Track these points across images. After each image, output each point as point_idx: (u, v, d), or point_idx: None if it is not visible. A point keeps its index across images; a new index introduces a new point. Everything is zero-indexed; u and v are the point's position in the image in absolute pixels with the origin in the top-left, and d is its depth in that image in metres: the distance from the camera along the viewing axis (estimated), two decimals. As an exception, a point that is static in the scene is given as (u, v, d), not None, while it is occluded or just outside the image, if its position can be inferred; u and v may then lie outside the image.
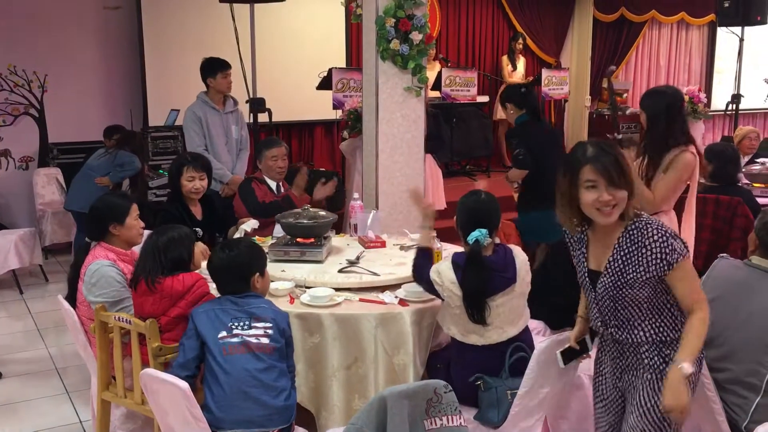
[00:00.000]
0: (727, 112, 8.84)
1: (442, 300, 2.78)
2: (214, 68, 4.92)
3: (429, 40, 4.35)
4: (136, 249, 3.45)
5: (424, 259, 2.91)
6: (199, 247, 3.48)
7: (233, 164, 5.04)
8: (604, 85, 9.67)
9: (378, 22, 4.23)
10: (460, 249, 3.86)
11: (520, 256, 2.82)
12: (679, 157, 3.27)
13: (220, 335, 2.45)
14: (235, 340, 2.44)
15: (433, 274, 2.77)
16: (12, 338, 4.81)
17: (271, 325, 2.48)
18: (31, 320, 5.12)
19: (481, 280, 2.67)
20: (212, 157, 4.80)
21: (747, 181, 5.16)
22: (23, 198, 6.77)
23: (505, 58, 8.96)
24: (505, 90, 4.57)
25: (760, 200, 4.80)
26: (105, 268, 2.98)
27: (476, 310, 2.67)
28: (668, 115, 3.27)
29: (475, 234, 2.71)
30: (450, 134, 7.65)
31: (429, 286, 2.81)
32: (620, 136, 3.53)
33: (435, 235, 3.11)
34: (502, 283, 2.72)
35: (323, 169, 7.37)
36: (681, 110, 3.35)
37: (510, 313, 2.75)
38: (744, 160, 6.29)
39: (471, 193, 2.88)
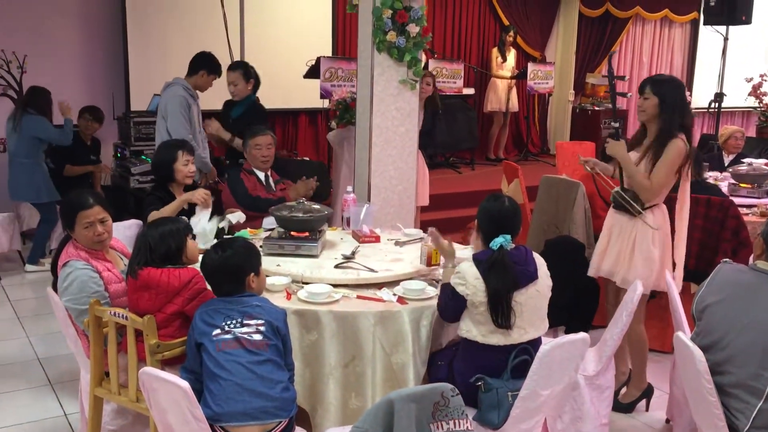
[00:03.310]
0: (710, 110, 8.92)
1: (464, 307, 2.73)
2: (214, 69, 4.90)
3: (425, 33, 4.30)
4: (116, 235, 3.38)
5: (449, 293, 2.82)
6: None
7: (206, 154, 5.04)
8: (589, 80, 9.71)
9: (375, 12, 4.17)
10: (453, 244, 3.85)
11: (540, 259, 2.83)
12: (671, 144, 3.32)
13: (214, 333, 2.42)
14: (227, 336, 2.42)
15: (453, 278, 2.73)
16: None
17: (263, 322, 2.45)
18: (10, 308, 5.00)
19: (506, 281, 2.66)
20: (196, 146, 4.76)
21: (734, 181, 5.20)
22: (0, 182, 6.60)
23: (495, 51, 8.93)
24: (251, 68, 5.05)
25: (747, 200, 4.84)
26: (78, 271, 2.87)
27: (502, 312, 2.65)
28: (683, 104, 3.39)
29: (500, 240, 2.71)
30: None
31: (452, 303, 2.75)
32: (617, 124, 3.52)
33: (434, 269, 3.12)
34: (524, 277, 2.71)
35: (307, 159, 7.31)
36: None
37: (531, 314, 2.73)
38: (728, 159, 6.36)
39: (493, 198, 2.84)
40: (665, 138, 3.34)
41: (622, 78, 8.92)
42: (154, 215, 3.47)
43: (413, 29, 4.20)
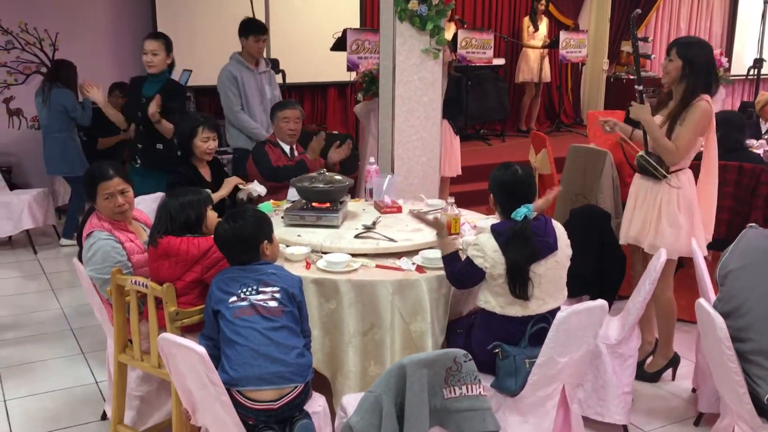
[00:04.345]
0: (749, 77, 8.66)
1: (482, 278, 2.71)
2: (247, 30, 4.96)
3: (448, 1, 4.24)
4: (143, 207, 3.43)
5: (456, 261, 2.81)
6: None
7: (267, 124, 5.04)
8: (624, 47, 9.50)
9: (396, -19, 4.13)
10: (474, 213, 3.83)
11: (560, 228, 2.79)
12: (695, 106, 3.26)
13: (230, 300, 2.46)
14: (243, 303, 2.45)
15: (471, 249, 2.71)
16: (26, 298, 4.83)
17: (278, 289, 2.48)
18: (45, 280, 5.14)
19: (525, 253, 2.63)
20: (248, 117, 4.91)
21: (769, 149, 5.06)
22: (35, 158, 6.73)
23: (526, 20, 8.79)
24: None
25: (783, 168, 4.70)
26: (101, 241, 2.91)
27: (520, 283, 2.63)
28: (710, 67, 3.31)
29: (524, 210, 2.67)
30: (466, 98, 7.54)
31: (470, 274, 2.73)
32: (641, 87, 3.43)
33: (454, 238, 3.09)
34: (544, 248, 2.68)
35: (336, 132, 7.30)
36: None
37: (550, 284, 2.71)
38: (765, 126, 6.19)
39: (505, 167, 2.80)
40: (689, 100, 3.27)
41: (645, 39, 8.68)
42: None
43: (435, -3, 4.15)
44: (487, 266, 2.66)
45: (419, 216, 3.12)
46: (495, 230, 2.71)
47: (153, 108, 4.19)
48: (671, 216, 3.35)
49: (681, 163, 3.34)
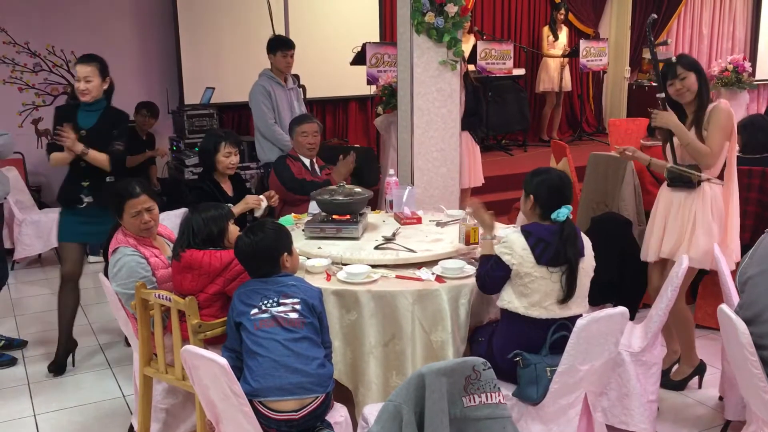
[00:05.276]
0: (773, 82, 8.56)
1: (507, 277, 2.74)
2: (274, 47, 5.12)
3: (464, 13, 4.28)
4: (167, 223, 3.49)
5: (488, 262, 2.83)
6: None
7: None
8: (645, 54, 9.45)
9: (412, -6, 4.17)
10: (496, 223, 3.82)
11: (585, 237, 2.83)
12: (715, 109, 3.28)
13: (252, 312, 2.50)
14: (265, 315, 2.48)
15: (499, 247, 2.74)
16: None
17: (298, 300, 2.51)
18: (74, 297, 5.22)
19: (576, 250, 2.70)
20: (282, 130, 5.02)
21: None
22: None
23: (546, 29, 8.79)
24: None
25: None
26: (127, 257, 2.97)
27: (572, 281, 2.69)
28: (704, 75, 3.39)
29: (565, 211, 2.72)
30: (485, 108, 7.56)
31: (494, 273, 2.75)
32: (663, 95, 3.42)
33: (473, 248, 3.15)
34: None
35: (357, 145, 7.35)
36: None
37: (576, 290, 2.72)
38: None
39: (543, 171, 2.84)
40: (706, 105, 3.29)
41: (665, 43, 8.63)
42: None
43: (451, 9, 4.18)
44: (514, 263, 2.68)
45: (477, 209, 3.08)
46: (525, 230, 2.73)
47: (78, 146, 3.70)
48: (705, 225, 3.33)
49: (715, 166, 3.33)
